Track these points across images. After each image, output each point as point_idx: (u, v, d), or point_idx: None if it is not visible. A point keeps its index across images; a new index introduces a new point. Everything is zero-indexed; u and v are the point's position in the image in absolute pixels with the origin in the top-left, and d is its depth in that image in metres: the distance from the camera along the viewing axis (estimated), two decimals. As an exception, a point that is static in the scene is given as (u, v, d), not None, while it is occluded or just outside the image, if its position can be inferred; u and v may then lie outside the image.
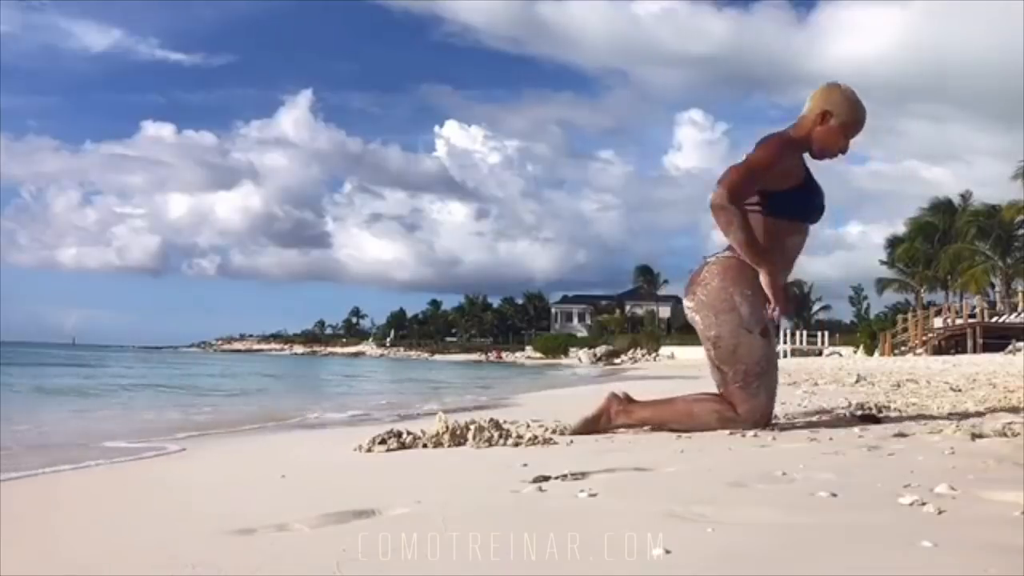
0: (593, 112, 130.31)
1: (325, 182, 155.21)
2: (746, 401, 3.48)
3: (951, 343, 31.15)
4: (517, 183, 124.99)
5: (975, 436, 2.89)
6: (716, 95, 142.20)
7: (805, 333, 47.58)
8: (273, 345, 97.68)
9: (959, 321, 32.19)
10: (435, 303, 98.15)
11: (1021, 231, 40.83)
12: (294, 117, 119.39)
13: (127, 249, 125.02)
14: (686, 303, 3.64)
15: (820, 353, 38.61)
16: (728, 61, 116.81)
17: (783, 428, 3.55)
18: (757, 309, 3.48)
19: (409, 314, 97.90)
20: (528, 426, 3.81)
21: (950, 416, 3.84)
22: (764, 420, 3.50)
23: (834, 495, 1.98)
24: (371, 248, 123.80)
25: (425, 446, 3.42)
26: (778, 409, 4.51)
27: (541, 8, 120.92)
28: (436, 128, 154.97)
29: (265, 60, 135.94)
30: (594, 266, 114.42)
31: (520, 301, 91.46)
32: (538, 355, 66.51)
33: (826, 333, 46.94)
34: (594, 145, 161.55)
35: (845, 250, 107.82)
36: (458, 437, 3.45)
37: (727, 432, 3.35)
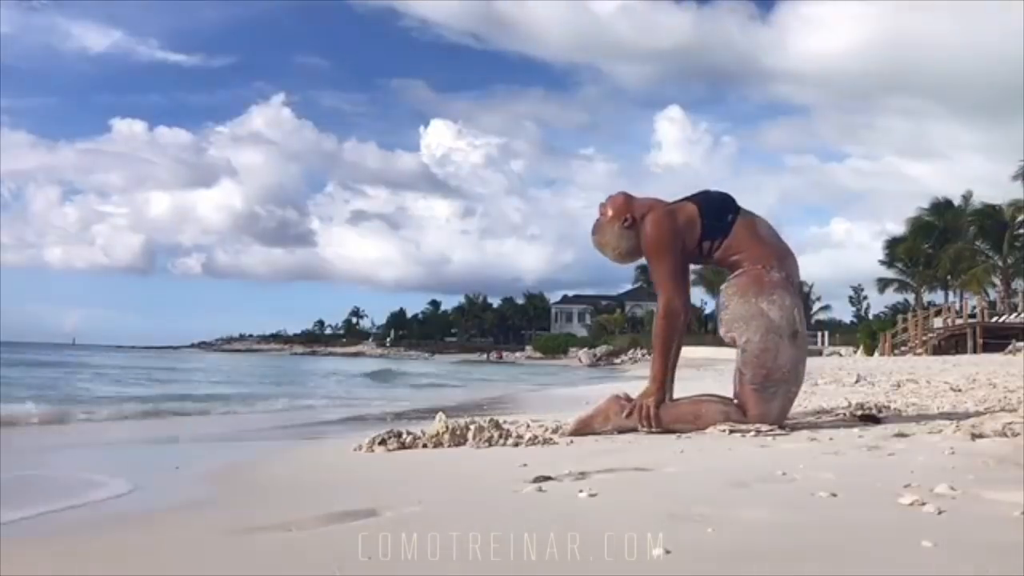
0: (566, 108, 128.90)
1: (306, 180, 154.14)
2: (759, 405, 3.47)
3: (951, 343, 31.13)
4: (500, 181, 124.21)
5: (975, 436, 2.89)
6: (690, 92, 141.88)
7: (805, 333, 47.55)
8: (273, 345, 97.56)
9: (959, 321, 32.18)
10: (435, 303, 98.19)
11: (1022, 231, 40.79)
12: (270, 115, 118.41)
13: (112, 248, 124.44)
14: (721, 333, 3.63)
15: (820, 353, 38.60)
16: (694, 56, 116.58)
17: (783, 428, 3.54)
18: (788, 311, 3.49)
19: (409, 314, 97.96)
20: (528, 426, 3.81)
21: (950, 416, 3.84)
22: (776, 424, 3.48)
23: (834, 495, 1.98)
24: (357, 246, 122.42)
25: (425, 446, 3.42)
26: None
27: (498, 5, 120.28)
28: (414, 124, 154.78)
29: (240, 59, 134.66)
30: (582, 264, 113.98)
31: (520, 301, 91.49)
32: (538, 355, 66.47)
33: (826, 333, 46.90)
34: (573, 142, 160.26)
35: (832, 248, 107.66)
36: (458, 437, 3.45)
37: (727, 432, 3.35)
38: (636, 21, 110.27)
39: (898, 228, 47.67)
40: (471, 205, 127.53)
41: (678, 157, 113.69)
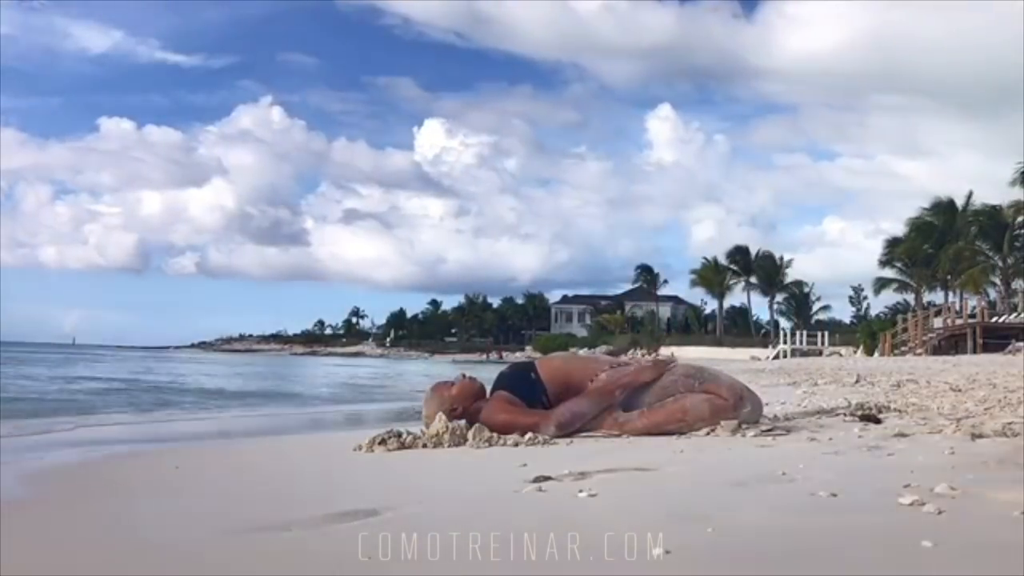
0: (555, 107, 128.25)
1: (298, 179, 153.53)
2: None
3: (951, 343, 31.11)
4: (493, 179, 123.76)
5: (975, 436, 2.89)
6: (679, 90, 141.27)
7: (805, 333, 47.63)
8: (273, 345, 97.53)
9: (959, 321, 32.17)
10: (435, 303, 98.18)
11: (1022, 231, 40.78)
12: (260, 115, 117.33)
13: (105, 247, 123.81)
14: None
15: (820, 353, 38.61)
16: (678, 54, 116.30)
17: (783, 428, 3.54)
18: None
19: (409, 314, 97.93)
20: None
21: (950, 416, 3.84)
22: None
23: (834, 495, 1.98)
24: (351, 246, 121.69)
25: (425, 446, 3.42)
26: (778, 409, 4.52)
27: (479, 4, 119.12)
28: (404, 123, 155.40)
29: (229, 59, 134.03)
30: (577, 263, 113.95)
31: (519, 301, 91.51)
32: (538, 355, 66.43)
33: (826, 333, 46.92)
34: (564, 141, 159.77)
35: (827, 247, 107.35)
36: (458, 437, 3.45)
37: (728, 432, 3.35)
38: (618, 19, 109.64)
39: (893, 227, 47.85)
40: (465, 204, 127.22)
41: (670, 156, 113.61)
